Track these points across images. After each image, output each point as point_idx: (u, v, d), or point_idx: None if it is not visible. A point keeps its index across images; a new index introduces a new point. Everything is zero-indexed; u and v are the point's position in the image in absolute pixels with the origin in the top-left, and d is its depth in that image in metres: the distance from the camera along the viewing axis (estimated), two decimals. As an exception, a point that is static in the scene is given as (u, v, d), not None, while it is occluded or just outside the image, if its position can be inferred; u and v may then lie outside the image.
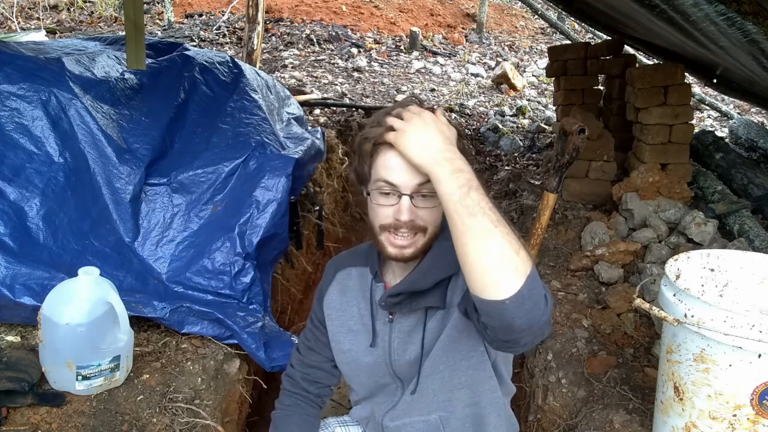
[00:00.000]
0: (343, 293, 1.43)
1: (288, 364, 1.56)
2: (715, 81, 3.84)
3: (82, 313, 1.74)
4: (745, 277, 1.74)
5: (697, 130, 4.38)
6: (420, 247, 1.23)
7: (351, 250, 1.50)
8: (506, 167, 4.60)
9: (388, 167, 1.18)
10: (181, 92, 2.72)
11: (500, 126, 5.45)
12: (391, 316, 1.35)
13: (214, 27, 8.00)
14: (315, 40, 7.59)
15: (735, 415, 1.46)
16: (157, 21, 8.45)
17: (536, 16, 8.71)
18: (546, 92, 6.90)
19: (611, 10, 3.39)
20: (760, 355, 1.38)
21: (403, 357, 1.34)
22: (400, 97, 6.05)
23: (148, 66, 2.71)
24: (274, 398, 1.54)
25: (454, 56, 7.86)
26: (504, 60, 7.62)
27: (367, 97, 6.05)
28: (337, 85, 6.28)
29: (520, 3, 9.66)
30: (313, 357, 1.49)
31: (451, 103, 6.12)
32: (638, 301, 1.57)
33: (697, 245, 2.70)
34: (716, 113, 6.30)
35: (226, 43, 7.62)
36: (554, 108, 4.87)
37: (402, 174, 1.17)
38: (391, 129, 1.16)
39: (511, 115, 5.98)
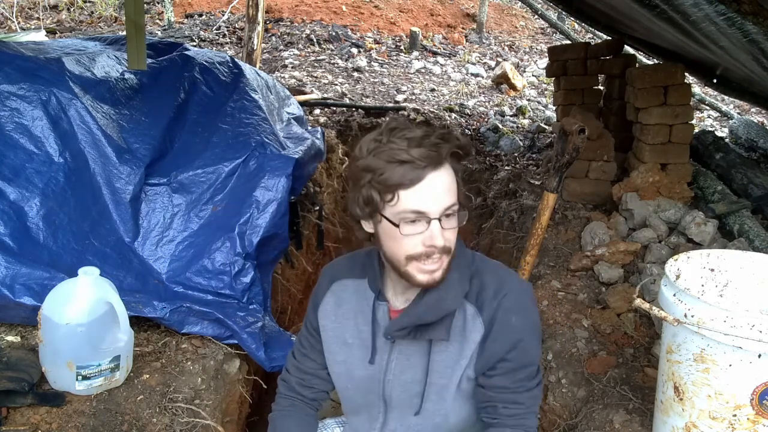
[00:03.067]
0: (339, 305, 1.41)
1: (283, 368, 1.55)
2: (715, 81, 3.84)
3: (82, 313, 1.74)
4: (745, 277, 1.74)
5: (697, 130, 4.38)
6: (446, 267, 1.22)
7: (347, 258, 1.47)
8: (506, 167, 4.60)
9: (416, 196, 1.14)
10: (181, 92, 2.73)
11: (500, 126, 5.45)
12: (392, 338, 1.34)
13: (214, 27, 8.00)
14: (315, 40, 7.59)
15: (735, 415, 1.46)
16: (157, 21, 8.45)
17: (536, 16, 8.71)
18: (546, 92, 6.90)
19: (611, 10, 3.39)
20: (760, 355, 1.38)
21: (399, 377, 1.34)
22: (400, 97, 6.05)
23: (148, 66, 2.71)
24: (274, 398, 1.54)
25: (454, 56, 7.86)
26: (504, 60, 7.62)
27: (367, 97, 6.05)
28: (337, 85, 6.28)
29: (520, 3, 9.66)
30: (309, 363, 1.48)
31: (451, 103, 6.12)
32: (638, 301, 1.57)
33: (697, 245, 2.70)
34: (716, 113, 6.30)
35: (226, 43, 7.62)
36: (554, 108, 4.87)
37: (431, 200, 1.15)
38: None
39: (511, 115, 5.97)
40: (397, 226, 1.17)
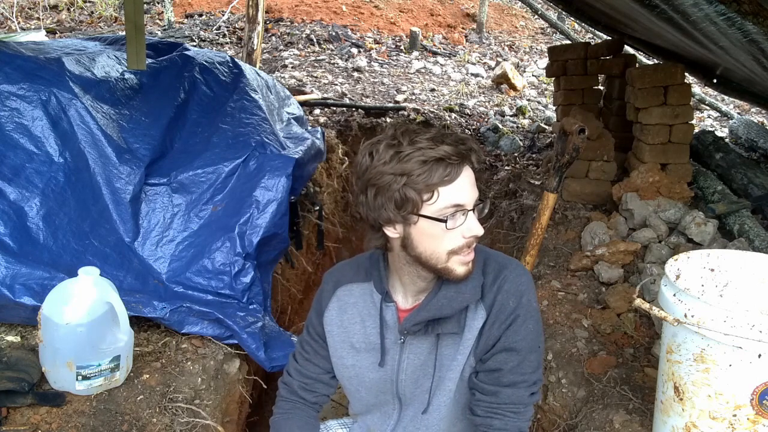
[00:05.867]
0: (344, 310, 1.41)
1: (284, 371, 1.55)
2: (715, 81, 3.84)
3: (82, 313, 1.74)
4: (745, 277, 1.74)
5: (697, 130, 4.38)
6: (474, 257, 1.27)
7: (349, 262, 1.48)
8: (506, 167, 4.60)
9: (455, 191, 1.19)
10: (181, 92, 2.73)
11: (500, 126, 5.45)
12: (402, 338, 1.35)
13: (214, 27, 8.00)
14: (315, 40, 7.59)
15: (735, 415, 1.46)
16: (157, 21, 8.45)
17: (536, 16, 8.70)
18: (546, 92, 6.90)
19: (611, 10, 3.39)
20: (760, 355, 1.38)
21: (411, 377, 1.35)
22: (400, 97, 6.05)
23: (148, 66, 2.71)
24: (274, 398, 1.54)
25: (454, 56, 7.85)
26: (504, 60, 7.62)
27: (367, 97, 6.04)
28: (337, 85, 6.28)
29: (520, 3, 9.66)
30: (311, 368, 1.48)
31: (451, 103, 6.12)
32: (638, 301, 1.56)
33: (697, 245, 2.70)
34: (716, 113, 6.30)
35: (226, 43, 7.62)
36: (554, 108, 4.87)
37: (469, 192, 1.20)
38: None
39: (511, 115, 5.97)
40: (444, 221, 1.19)
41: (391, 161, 1.18)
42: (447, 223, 1.19)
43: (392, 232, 1.25)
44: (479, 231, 1.22)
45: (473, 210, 1.22)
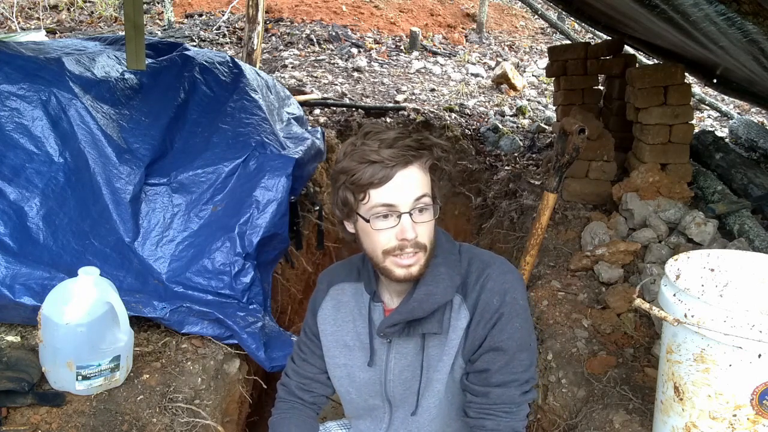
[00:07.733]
0: (338, 309, 1.42)
1: (283, 373, 1.55)
2: (715, 81, 3.84)
3: (82, 313, 1.74)
4: (745, 277, 1.74)
5: (697, 130, 4.38)
6: (423, 263, 1.24)
7: (343, 263, 1.49)
8: (506, 167, 4.60)
9: (385, 192, 1.19)
10: (181, 92, 2.73)
11: (500, 126, 5.44)
12: (388, 338, 1.35)
13: (214, 27, 8.00)
14: (315, 40, 7.59)
15: (735, 415, 1.46)
16: (157, 21, 8.45)
17: (536, 16, 8.70)
18: (546, 92, 6.90)
19: (611, 10, 3.39)
20: (760, 355, 1.38)
21: (399, 377, 1.35)
22: (400, 97, 6.05)
23: (148, 66, 2.71)
24: (274, 398, 1.54)
25: (454, 56, 7.85)
26: (504, 60, 7.62)
27: (367, 97, 6.04)
28: (337, 85, 6.28)
29: (520, 3, 9.65)
30: (308, 368, 1.49)
31: (451, 103, 6.12)
32: (638, 301, 1.56)
33: (697, 245, 2.70)
34: (716, 113, 6.29)
35: (226, 43, 7.62)
36: (554, 108, 4.87)
37: (400, 194, 1.19)
38: None
39: (511, 115, 5.97)
40: (368, 221, 1.20)
41: (343, 159, 1.22)
42: (372, 223, 1.20)
43: (349, 227, 1.28)
44: (410, 235, 1.20)
45: (410, 213, 1.20)
